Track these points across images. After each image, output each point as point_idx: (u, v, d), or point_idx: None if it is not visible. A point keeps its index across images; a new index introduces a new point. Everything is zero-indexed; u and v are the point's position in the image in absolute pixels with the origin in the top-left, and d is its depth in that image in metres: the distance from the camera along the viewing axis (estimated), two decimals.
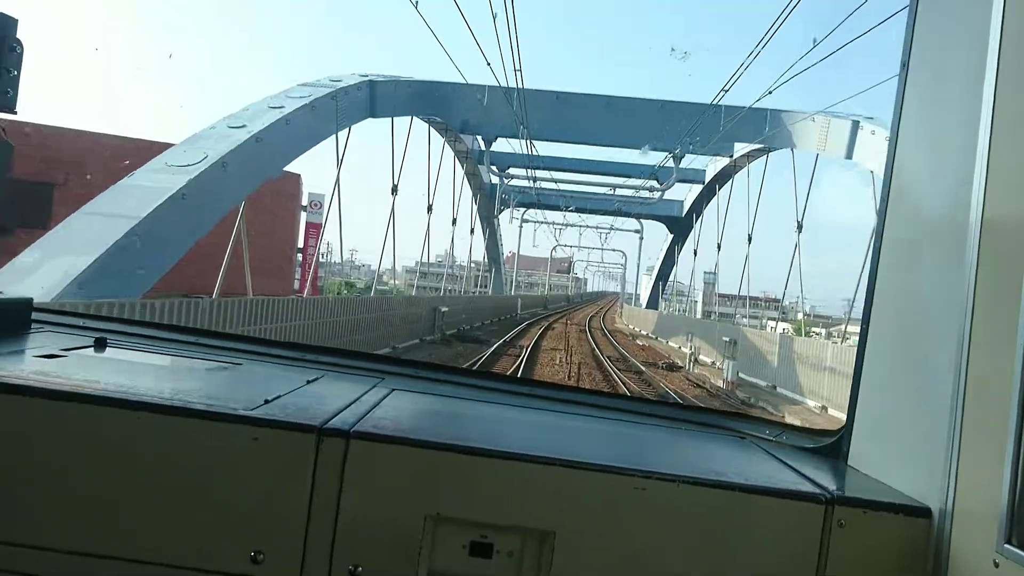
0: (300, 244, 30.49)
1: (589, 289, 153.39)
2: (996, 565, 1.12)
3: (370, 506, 1.30)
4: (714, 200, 46.05)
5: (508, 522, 1.31)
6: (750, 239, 36.08)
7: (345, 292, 43.35)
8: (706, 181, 45.21)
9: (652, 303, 61.30)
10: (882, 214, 1.53)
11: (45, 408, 1.30)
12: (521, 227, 64.38)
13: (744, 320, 43.20)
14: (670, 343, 40.93)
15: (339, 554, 1.28)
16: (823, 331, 42.61)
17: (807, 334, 37.98)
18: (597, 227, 71.02)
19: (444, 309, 30.10)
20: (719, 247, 41.17)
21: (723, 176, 42.44)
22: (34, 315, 1.96)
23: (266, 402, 1.43)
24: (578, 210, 54.65)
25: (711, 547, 1.30)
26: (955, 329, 1.26)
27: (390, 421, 1.45)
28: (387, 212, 28.03)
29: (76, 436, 1.30)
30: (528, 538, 1.32)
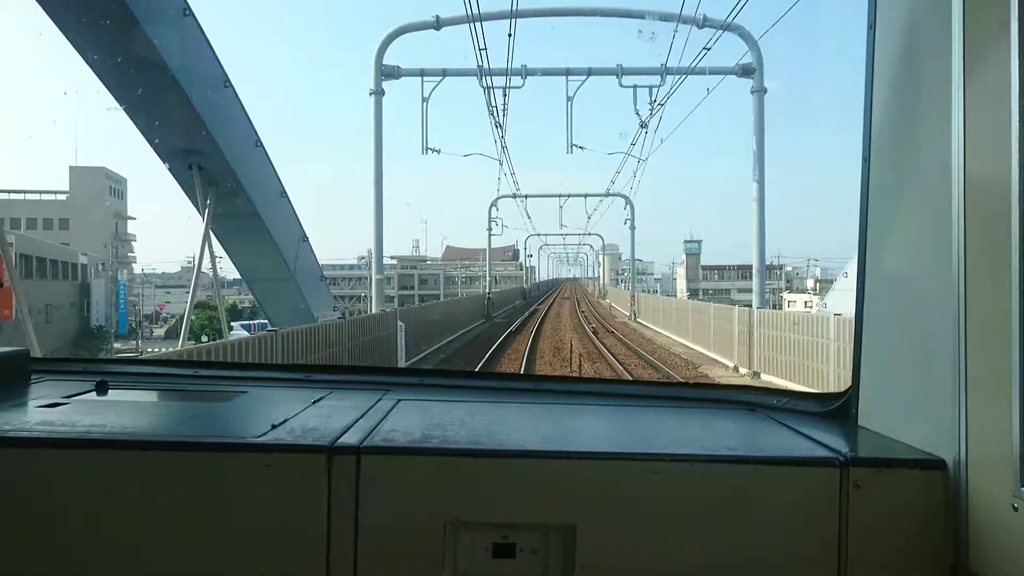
0: None
1: (541, 277, 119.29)
2: (1015, 509, 1.12)
3: (389, 519, 1.30)
4: None
5: (528, 520, 1.32)
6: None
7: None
8: None
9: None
10: (865, 171, 1.53)
11: (53, 458, 1.31)
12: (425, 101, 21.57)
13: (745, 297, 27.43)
14: None
15: (363, 570, 1.29)
16: None
17: None
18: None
19: None
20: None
21: None
22: (33, 366, 1.97)
23: (274, 427, 1.44)
24: None
25: (730, 522, 1.31)
26: (951, 278, 1.26)
27: (400, 432, 1.46)
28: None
29: (86, 482, 1.30)
30: (550, 534, 1.32)
